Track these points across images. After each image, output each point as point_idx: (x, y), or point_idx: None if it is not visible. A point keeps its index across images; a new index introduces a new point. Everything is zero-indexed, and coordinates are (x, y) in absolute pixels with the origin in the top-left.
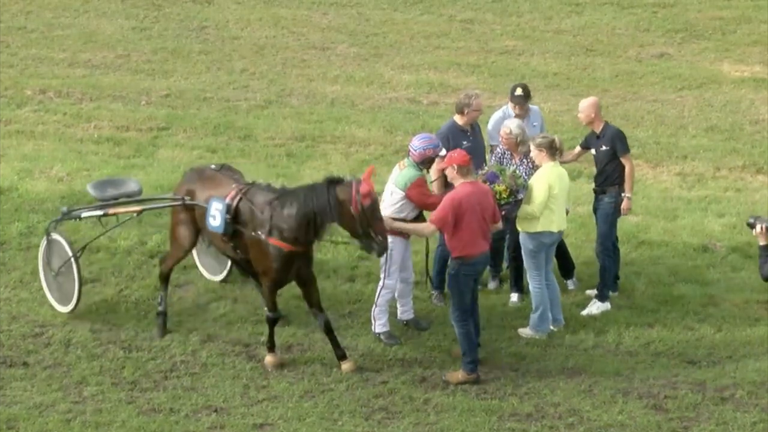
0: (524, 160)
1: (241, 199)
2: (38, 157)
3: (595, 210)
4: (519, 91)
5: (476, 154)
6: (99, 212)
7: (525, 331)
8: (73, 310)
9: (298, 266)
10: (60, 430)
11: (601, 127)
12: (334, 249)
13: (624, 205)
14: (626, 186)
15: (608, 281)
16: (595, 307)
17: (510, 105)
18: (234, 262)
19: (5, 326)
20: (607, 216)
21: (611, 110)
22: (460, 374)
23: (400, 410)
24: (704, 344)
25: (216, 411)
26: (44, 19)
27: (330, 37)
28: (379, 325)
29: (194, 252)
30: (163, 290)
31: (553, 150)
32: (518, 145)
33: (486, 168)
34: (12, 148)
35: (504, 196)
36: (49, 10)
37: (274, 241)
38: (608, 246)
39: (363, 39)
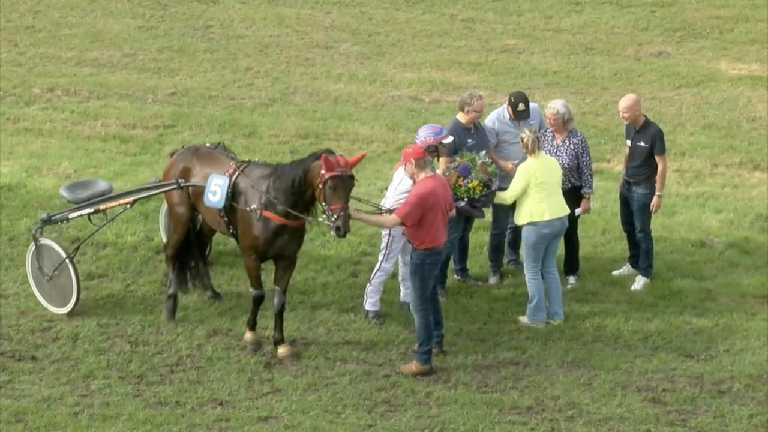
0: (566, 141)
1: (238, 175)
2: (46, 154)
3: (625, 198)
4: (521, 106)
5: (481, 150)
6: (89, 210)
7: (523, 319)
8: (71, 311)
9: (284, 242)
10: (68, 423)
11: (641, 123)
12: (338, 244)
13: (655, 202)
14: (658, 185)
15: (651, 260)
16: (642, 284)
17: (507, 109)
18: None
19: (14, 321)
20: (645, 207)
21: (610, 108)
22: (414, 366)
23: (403, 403)
24: (702, 338)
25: (221, 404)
26: (52, 18)
27: (333, 36)
28: (370, 303)
29: (162, 228)
30: (171, 272)
31: (526, 147)
32: (565, 123)
33: (457, 159)
34: (20, 145)
35: (478, 191)
36: (57, 9)
37: (267, 214)
38: (648, 232)
39: (366, 38)
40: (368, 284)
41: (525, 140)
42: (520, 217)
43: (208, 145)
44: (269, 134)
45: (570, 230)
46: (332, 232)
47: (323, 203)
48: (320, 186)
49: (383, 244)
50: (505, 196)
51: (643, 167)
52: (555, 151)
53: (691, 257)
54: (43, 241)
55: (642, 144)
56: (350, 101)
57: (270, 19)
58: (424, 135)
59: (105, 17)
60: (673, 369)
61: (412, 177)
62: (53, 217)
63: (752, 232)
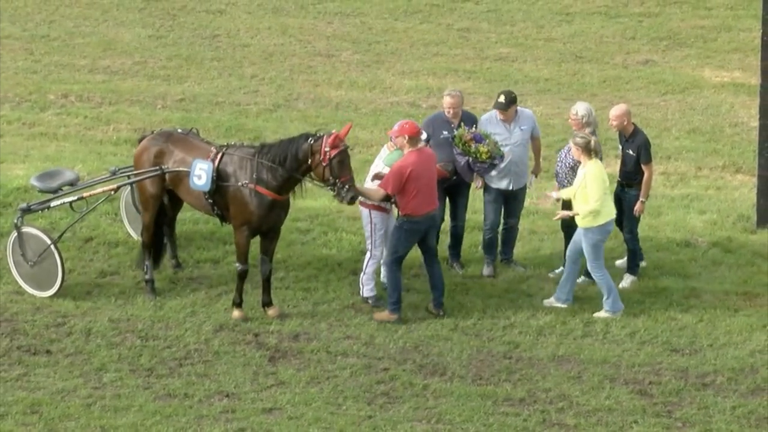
0: None
1: (222, 158)
2: (60, 157)
3: (619, 199)
4: (501, 98)
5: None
6: (72, 198)
7: (601, 314)
8: (56, 293)
9: (275, 215)
10: (81, 414)
11: (630, 131)
12: (339, 243)
13: (637, 207)
14: (642, 191)
15: (638, 259)
16: (629, 281)
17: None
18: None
19: (29, 316)
20: (633, 208)
21: (600, 114)
22: (385, 314)
23: (401, 395)
24: (686, 333)
25: (227, 396)
26: (66, 27)
27: (335, 44)
28: (367, 290)
29: (123, 213)
30: (148, 259)
31: (588, 150)
32: (583, 126)
33: (475, 128)
34: (36, 149)
35: (483, 157)
36: (71, 19)
37: (260, 190)
38: (635, 233)
39: (366, 46)
40: (362, 273)
41: (592, 144)
42: (594, 220)
43: (179, 130)
44: (274, 138)
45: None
46: (345, 202)
47: (330, 178)
48: (324, 163)
49: (367, 233)
50: (594, 207)
51: (633, 173)
52: (569, 149)
53: (676, 256)
54: (26, 229)
55: (630, 152)
56: (351, 107)
57: (274, 28)
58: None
59: (117, 27)
60: (659, 363)
61: (401, 149)
62: (32, 206)
63: (734, 232)
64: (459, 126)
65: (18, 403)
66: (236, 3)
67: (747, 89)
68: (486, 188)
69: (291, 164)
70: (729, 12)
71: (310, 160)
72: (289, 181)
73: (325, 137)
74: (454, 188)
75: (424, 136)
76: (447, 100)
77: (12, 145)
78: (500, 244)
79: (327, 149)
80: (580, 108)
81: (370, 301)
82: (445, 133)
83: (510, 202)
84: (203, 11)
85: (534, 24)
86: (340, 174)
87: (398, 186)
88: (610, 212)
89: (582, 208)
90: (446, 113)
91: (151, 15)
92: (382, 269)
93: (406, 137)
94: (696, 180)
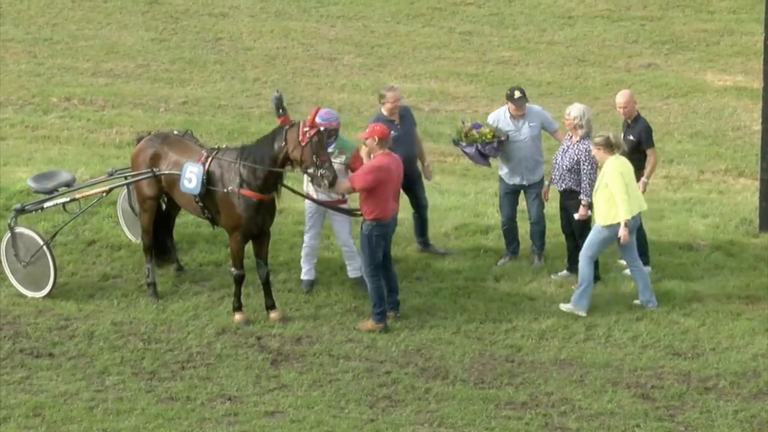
0: (575, 144)
1: (211, 161)
2: (63, 160)
3: None
4: (518, 94)
5: (405, 141)
6: (65, 199)
7: (566, 306)
8: (48, 293)
9: (262, 217)
10: (83, 417)
11: (633, 117)
12: (341, 248)
13: (639, 187)
14: (646, 172)
15: (646, 248)
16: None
17: (509, 107)
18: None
19: (32, 319)
20: None
21: (602, 117)
22: (369, 323)
23: (403, 399)
24: (689, 337)
25: (230, 399)
26: (69, 31)
27: (337, 48)
28: (303, 272)
29: (121, 217)
30: (149, 262)
31: (609, 146)
32: (576, 128)
33: (465, 123)
34: (39, 152)
35: (489, 137)
36: (74, 22)
37: (245, 192)
38: (637, 218)
39: (368, 50)
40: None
41: (612, 139)
42: (607, 218)
43: (175, 132)
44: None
45: (583, 230)
46: (326, 182)
47: (311, 157)
48: (303, 143)
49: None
50: (622, 200)
51: (632, 159)
52: (564, 150)
53: (678, 260)
54: (19, 229)
55: (630, 138)
56: (353, 110)
57: (277, 32)
58: (327, 119)
59: (119, 30)
60: (661, 366)
61: (371, 152)
62: (26, 207)
63: (737, 236)
64: (401, 122)
65: (20, 406)
66: (239, 6)
67: (750, 93)
68: (500, 181)
69: (269, 157)
70: (731, 16)
71: (287, 148)
72: (270, 176)
73: (301, 121)
74: (407, 181)
75: (330, 125)
76: (391, 95)
77: (15, 148)
78: (530, 238)
79: (306, 129)
80: (574, 110)
81: (301, 285)
82: (393, 132)
83: (527, 198)
84: (206, 15)
85: (536, 27)
86: (319, 153)
87: (367, 184)
88: (627, 212)
89: (603, 207)
90: (387, 110)
91: (154, 18)
92: (367, 281)
93: (376, 139)
94: (698, 184)
